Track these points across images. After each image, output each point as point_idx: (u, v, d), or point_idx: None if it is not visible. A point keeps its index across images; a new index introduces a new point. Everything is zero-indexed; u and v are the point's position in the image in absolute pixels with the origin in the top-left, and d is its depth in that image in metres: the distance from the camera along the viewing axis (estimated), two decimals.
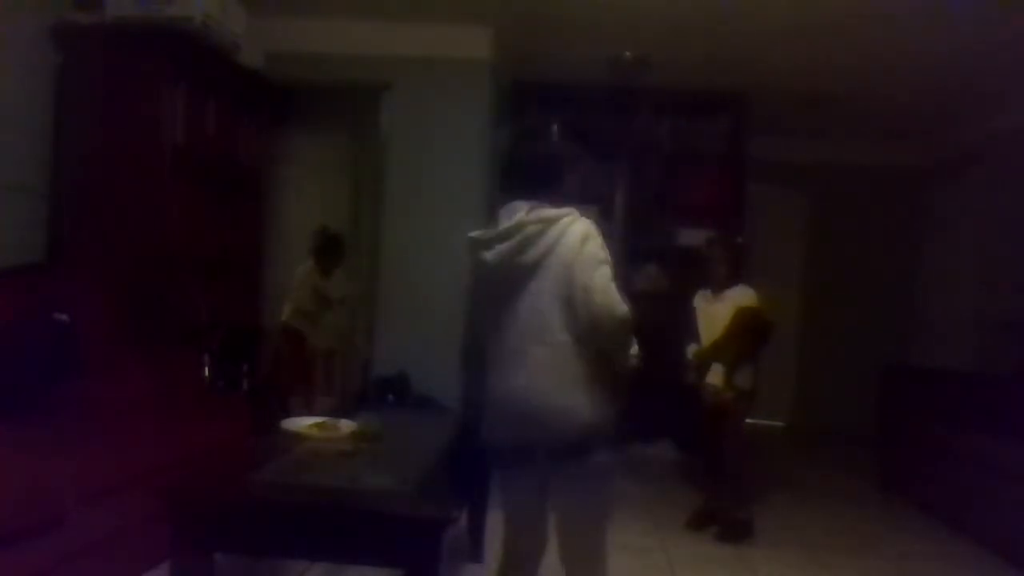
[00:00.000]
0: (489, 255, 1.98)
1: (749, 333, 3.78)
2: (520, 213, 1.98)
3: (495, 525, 3.33)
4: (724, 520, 3.86)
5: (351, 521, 2.04)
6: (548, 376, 1.94)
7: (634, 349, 2.06)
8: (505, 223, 1.99)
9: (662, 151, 5.68)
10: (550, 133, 2.14)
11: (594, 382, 1.96)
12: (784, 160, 6.68)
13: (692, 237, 5.14)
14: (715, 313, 3.86)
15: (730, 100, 5.60)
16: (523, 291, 1.97)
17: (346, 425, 2.72)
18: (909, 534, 4.21)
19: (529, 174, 2.08)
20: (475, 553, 3.27)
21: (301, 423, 2.74)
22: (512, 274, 1.97)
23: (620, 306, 1.92)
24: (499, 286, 2.01)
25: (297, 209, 5.54)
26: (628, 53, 4.95)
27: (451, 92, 4.75)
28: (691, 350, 3.93)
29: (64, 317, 3.17)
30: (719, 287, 3.91)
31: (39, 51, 3.67)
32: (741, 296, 3.85)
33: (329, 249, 4.83)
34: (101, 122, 3.71)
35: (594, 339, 1.95)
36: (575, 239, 1.95)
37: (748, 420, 4.01)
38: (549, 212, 1.98)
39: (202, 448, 3.05)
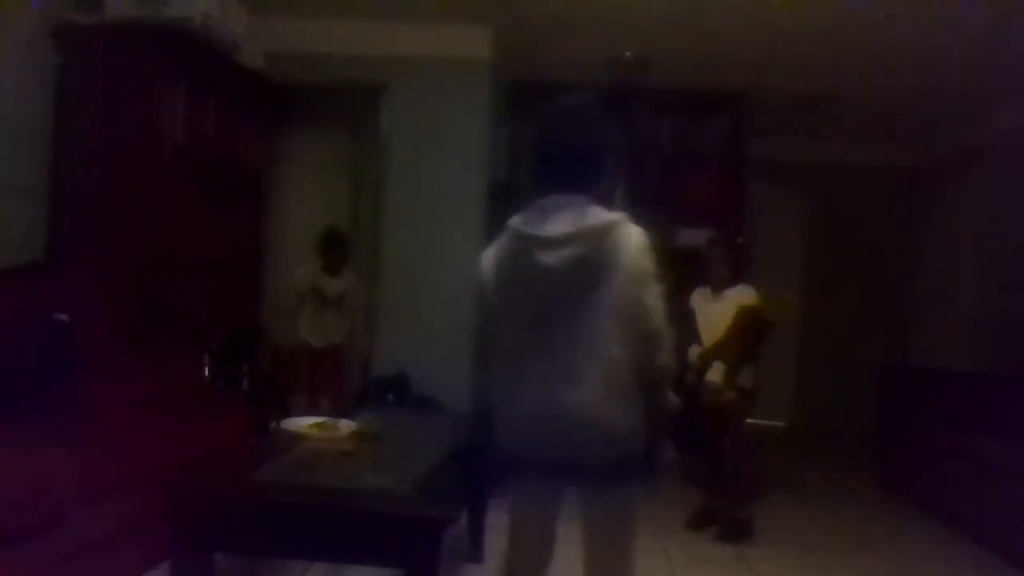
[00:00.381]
0: (551, 258, 1.78)
1: (752, 332, 3.78)
2: (570, 211, 1.81)
3: (495, 525, 3.34)
4: (724, 520, 3.86)
5: (351, 521, 2.04)
6: (603, 392, 1.80)
7: (672, 397, 1.96)
8: (560, 222, 1.80)
9: (662, 151, 5.68)
10: (596, 115, 1.89)
11: (639, 403, 1.86)
12: (784, 160, 6.68)
13: (692, 237, 5.14)
14: (715, 312, 3.86)
15: (730, 100, 5.60)
16: (582, 301, 1.79)
17: (346, 425, 2.73)
18: (909, 534, 4.21)
19: (576, 165, 1.86)
20: (475, 553, 3.27)
21: (301, 423, 2.74)
22: (574, 282, 1.79)
23: (670, 329, 1.85)
24: (552, 292, 1.80)
25: (297, 209, 5.54)
26: (628, 53, 4.95)
27: (451, 92, 4.76)
28: (694, 351, 3.93)
29: (64, 317, 3.17)
30: (719, 287, 3.91)
31: (39, 51, 3.67)
32: (741, 295, 3.85)
33: (334, 246, 4.66)
34: (101, 122, 3.71)
35: (643, 359, 1.83)
36: (636, 249, 1.80)
37: (748, 420, 4.01)
38: (609, 216, 1.81)
39: (202, 448, 3.05)
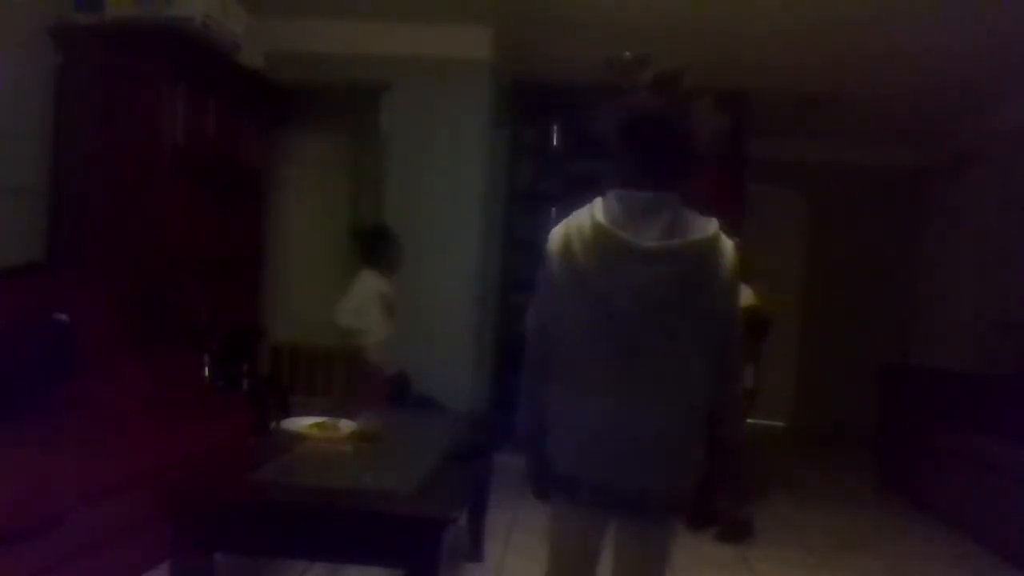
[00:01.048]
0: (646, 271, 1.58)
1: (752, 334, 3.78)
2: (664, 215, 1.62)
3: (495, 525, 3.35)
4: (724, 520, 3.86)
5: (351, 521, 2.04)
6: (686, 421, 1.67)
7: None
8: (655, 227, 1.60)
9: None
10: (688, 106, 1.77)
11: (706, 432, 1.73)
12: (784, 160, 6.68)
13: None
14: None
15: (730, 100, 5.61)
16: (672, 320, 1.62)
17: (346, 425, 2.73)
18: (909, 534, 4.21)
19: (671, 158, 1.69)
20: (475, 553, 3.27)
21: (301, 423, 2.75)
22: (668, 300, 1.60)
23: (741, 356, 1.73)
24: (642, 307, 1.60)
25: (297, 209, 5.54)
26: (628, 53, 4.95)
27: (451, 92, 4.76)
28: None
29: (64, 317, 3.17)
30: None
31: (39, 51, 3.67)
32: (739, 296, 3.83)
33: (387, 244, 4.18)
34: (101, 122, 3.71)
35: (718, 387, 1.71)
36: (731, 268, 1.65)
37: (748, 420, 4.01)
38: (708, 227, 1.64)
39: (202, 448, 3.05)
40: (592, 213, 1.65)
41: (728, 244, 1.66)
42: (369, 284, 4.08)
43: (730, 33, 4.44)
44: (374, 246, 4.18)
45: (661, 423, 1.65)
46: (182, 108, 3.78)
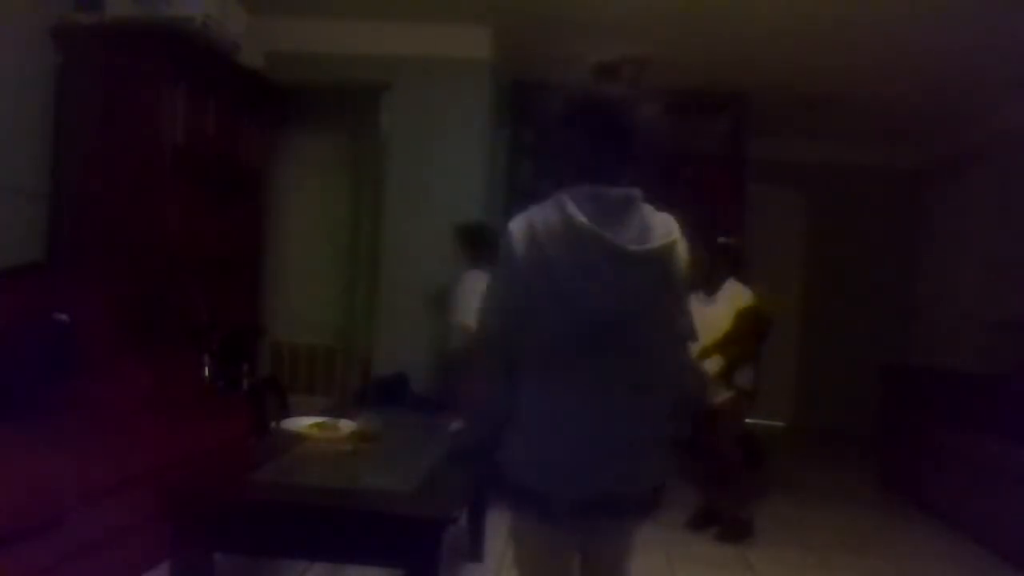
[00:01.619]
0: (620, 273, 1.53)
1: (753, 336, 3.77)
2: (633, 213, 1.58)
3: (495, 525, 3.34)
4: (724, 520, 3.86)
5: (351, 521, 2.04)
6: (647, 424, 1.63)
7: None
8: (628, 227, 1.55)
9: (662, 151, 5.66)
10: (651, 99, 1.65)
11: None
12: (784, 160, 6.69)
13: (692, 238, 5.12)
14: (710, 314, 3.82)
15: (730, 100, 5.61)
16: (642, 322, 1.58)
17: (346, 425, 2.73)
18: (909, 534, 4.21)
19: (636, 152, 1.62)
20: (475, 553, 3.27)
21: (301, 423, 2.75)
22: (639, 302, 1.56)
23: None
24: (614, 308, 1.54)
25: (297, 209, 5.55)
26: (628, 53, 4.95)
27: (451, 92, 4.76)
28: (692, 349, 3.90)
29: (64, 317, 3.17)
30: (711, 289, 3.86)
31: (39, 51, 3.67)
32: (736, 296, 3.82)
33: (491, 244, 3.87)
34: (101, 122, 3.71)
35: (679, 385, 1.72)
36: (685, 266, 1.62)
37: (748, 420, 4.01)
38: (671, 225, 1.60)
39: (202, 448, 3.05)
40: (567, 211, 1.54)
41: (682, 241, 1.63)
42: (480, 287, 3.99)
43: (730, 33, 4.44)
44: (480, 246, 4.05)
45: (638, 425, 1.61)
46: (182, 108, 3.78)
